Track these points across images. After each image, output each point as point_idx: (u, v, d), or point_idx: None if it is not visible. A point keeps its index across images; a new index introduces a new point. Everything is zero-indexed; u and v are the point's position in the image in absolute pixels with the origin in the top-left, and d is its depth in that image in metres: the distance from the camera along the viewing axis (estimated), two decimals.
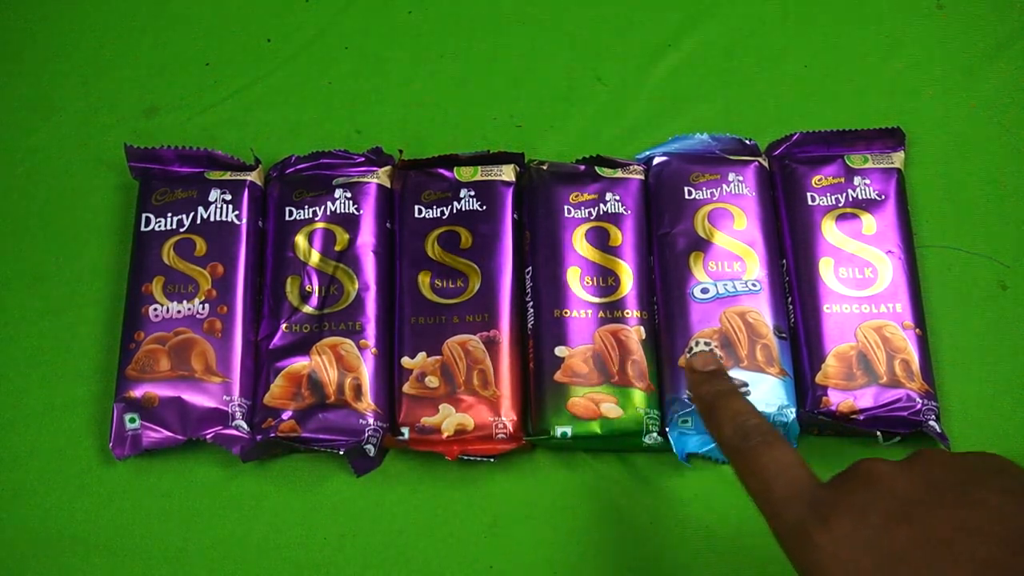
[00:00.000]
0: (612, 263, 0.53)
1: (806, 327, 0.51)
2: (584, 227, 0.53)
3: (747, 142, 0.55)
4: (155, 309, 0.52)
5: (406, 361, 0.52)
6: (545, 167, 0.55)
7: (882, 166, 0.54)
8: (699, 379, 0.43)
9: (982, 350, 0.53)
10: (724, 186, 0.54)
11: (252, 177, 0.55)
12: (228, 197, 0.54)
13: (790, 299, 0.52)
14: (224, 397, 0.51)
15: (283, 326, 0.52)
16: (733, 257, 0.52)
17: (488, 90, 0.60)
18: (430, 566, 0.50)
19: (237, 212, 0.54)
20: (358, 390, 0.51)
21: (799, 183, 0.54)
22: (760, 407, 0.49)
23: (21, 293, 0.56)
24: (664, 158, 0.55)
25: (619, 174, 0.55)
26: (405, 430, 0.50)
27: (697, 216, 0.53)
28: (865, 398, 0.49)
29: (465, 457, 0.49)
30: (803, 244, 0.53)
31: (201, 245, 0.53)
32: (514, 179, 0.55)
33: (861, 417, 0.49)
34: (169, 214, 0.54)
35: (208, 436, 0.50)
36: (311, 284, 0.53)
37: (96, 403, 0.53)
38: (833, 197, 0.53)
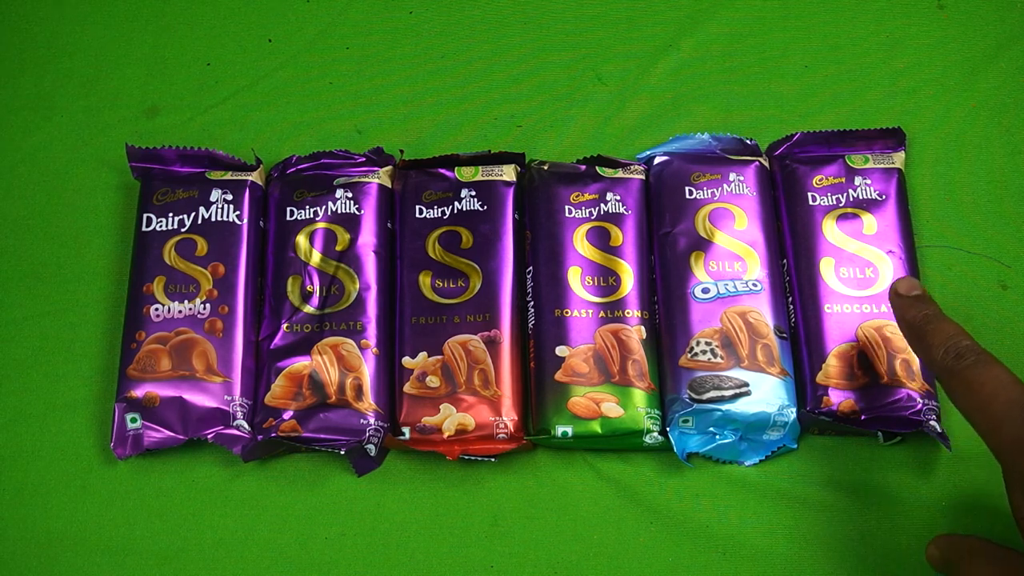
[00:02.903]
0: (613, 263, 0.53)
1: (807, 327, 0.51)
2: (585, 227, 0.53)
3: (748, 142, 0.55)
4: (156, 309, 0.52)
5: (407, 361, 0.52)
6: (546, 167, 0.55)
7: (883, 166, 0.54)
8: (905, 303, 0.43)
9: None
10: (725, 186, 0.54)
11: (253, 177, 0.55)
12: (229, 197, 0.54)
13: (791, 299, 0.52)
14: (225, 397, 0.51)
15: (284, 326, 0.52)
16: (734, 257, 0.52)
17: (488, 90, 0.60)
18: (431, 566, 0.50)
19: (238, 212, 0.54)
20: (359, 390, 0.51)
21: (800, 183, 0.54)
22: (760, 407, 0.49)
23: (21, 293, 0.56)
24: (665, 158, 0.55)
25: (620, 174, 0.55)
26: (406, 430, 0.51)
27: (698, 216, 0.53)
28: (866, 398, 0.49)
29: (466, 457, 0.49)
30: (804, 244, 0.53)
31: (202, 245, 0.53)
32: (515, 179, 0.55)
33: (862, 417, 0.49)
34: (170, 214, 0.54)
35: (209, 436, 0.50)
36: (312, 284, 0.53)
37: (97, 403, 0.53)
38: (834, 197, 0.53)
